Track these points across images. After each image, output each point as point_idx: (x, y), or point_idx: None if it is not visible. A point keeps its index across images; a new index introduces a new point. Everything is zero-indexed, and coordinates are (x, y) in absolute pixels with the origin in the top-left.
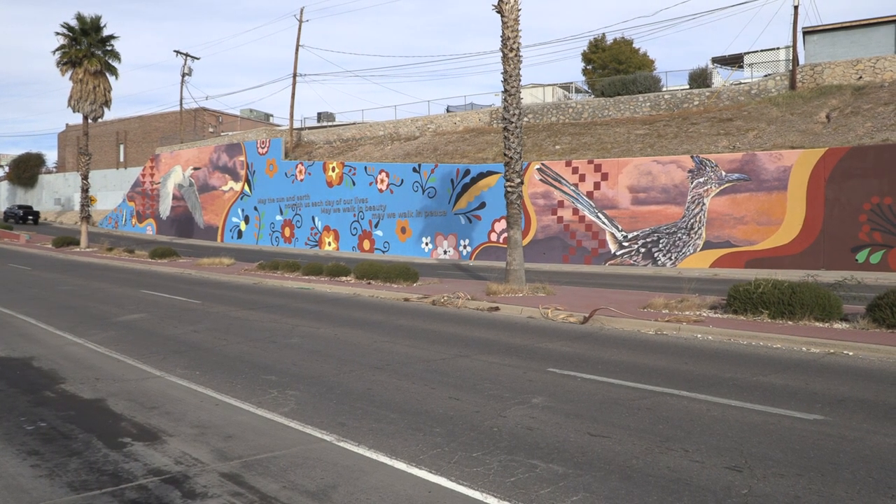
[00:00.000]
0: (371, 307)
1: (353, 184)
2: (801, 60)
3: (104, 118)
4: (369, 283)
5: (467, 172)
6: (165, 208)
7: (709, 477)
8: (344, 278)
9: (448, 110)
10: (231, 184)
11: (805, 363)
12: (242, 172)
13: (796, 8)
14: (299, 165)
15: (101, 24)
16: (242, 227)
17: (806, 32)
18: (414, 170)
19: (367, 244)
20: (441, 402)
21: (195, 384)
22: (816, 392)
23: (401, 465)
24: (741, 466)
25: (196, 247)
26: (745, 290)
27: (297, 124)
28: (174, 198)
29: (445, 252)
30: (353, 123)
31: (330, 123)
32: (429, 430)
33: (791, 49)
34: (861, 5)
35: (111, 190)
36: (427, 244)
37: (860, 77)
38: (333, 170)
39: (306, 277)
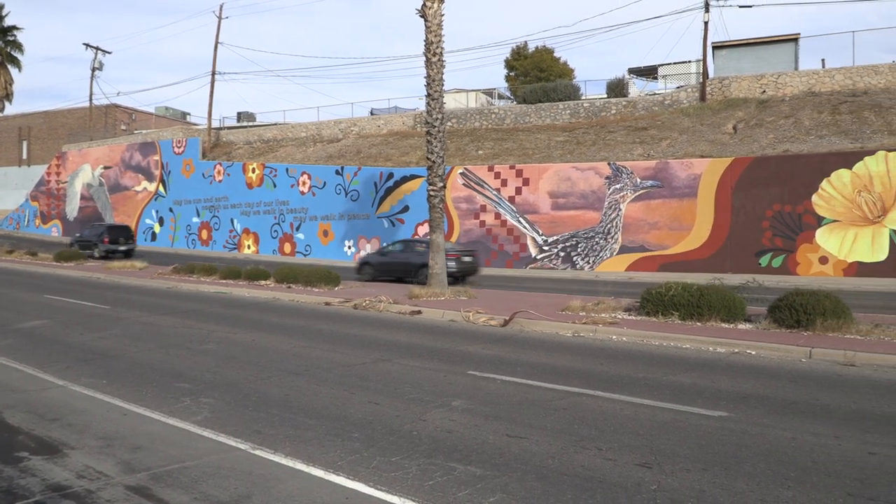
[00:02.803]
0: (291, 311)
1: (274, 185)
2: (711, 74)
3: (5, 112)
4: (289, 287)
5: (391, 176)
6: (73, 209)
7: (621, 474)
8: (263, 282)
9: (372, 113)
10: (145, 184)
11: (712, 362)
12: (157, 172)
13: (706, 24)
14: (218, 166)
15: (3, 13)
16: (157, 229)
17: (715, 47)
18: (337, 172)
19: (288, 247)
20: (361, 406)
21: (101, 394)
22: (721, 390)
23: (318, 472)
24: (651, 463)
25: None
26: (657, 293)
27: (215, 124)
28: (83, 198)
29: None
30: (275, 124)
31: (250, 123)
32: (347, 436)
33: (701, 63)
34: (765, 24)
35: (13, 189)
36: (350, 247)
37: (764, 91)
38: (254, 171)
39: (224, 281)
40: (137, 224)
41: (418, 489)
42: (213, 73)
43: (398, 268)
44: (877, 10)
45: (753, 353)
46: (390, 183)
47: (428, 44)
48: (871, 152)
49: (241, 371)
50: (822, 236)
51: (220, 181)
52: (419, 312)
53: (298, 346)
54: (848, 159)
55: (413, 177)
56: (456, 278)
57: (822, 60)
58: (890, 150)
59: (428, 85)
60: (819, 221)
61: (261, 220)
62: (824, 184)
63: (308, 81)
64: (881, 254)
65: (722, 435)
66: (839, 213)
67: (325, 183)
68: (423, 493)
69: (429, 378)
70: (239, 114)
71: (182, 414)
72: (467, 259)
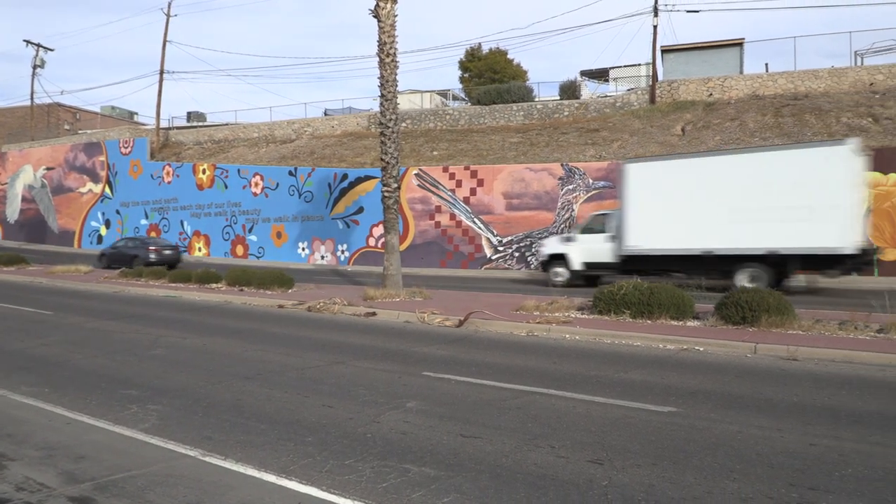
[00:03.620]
0: (243, 315)
1: (226, 187)
2: (660, 77)
3: None
4: (241, 290)
5: (345, 177)
6: (13, 211)
7: (573, 471)
8: (214, 285)
9: (326, 113)
10: (90, 185)
11: (662, 359)
12: (103, 173)
13: (655, 28)
14: (167, 167)
15: None
16: (103, 231)
17: (664, 51)
18: (290, 173)
19: (240, 250)
20: (314, 410)
21: (43, 402)
22: (671, 386)
23: (270, 478)
24: (602, 459)
25: (50, 253)
26: (609, 292)
27: (164, 124)
28: (24, 200)
29: (323, 257)
30: (226, 124)
31: (201, 124)
32: (300, 440)
33: (651, 66)
34: (712, 29)
35: None
36: (304, 249)
37: (711, 94)
38: (204, 172)
39: (173, 285)
40: (82, 227)
41: (372, 491)
42: (162, 72)
43: (120, 258)
44: (818, 17)
45: (701, 349)
46: (345, 184)
47: (381, 44)
48: None
49: (191, 376)
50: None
51: (169, 182)
52: (374, 314)
53: (250, 349)
54: None
55: (368, 178)
56: (164, 264)
57: (766, 65)
58: None
59: (382, 86)
60: None
61: (212, 222)
62: None
63: (260, 81)
64: None
65: (671, 430)
66: None
67: (277, 184)
68: (377, 495)
69: (383, 380)
70: (189, 113)
71: (129, 422)
72: (168, 252)
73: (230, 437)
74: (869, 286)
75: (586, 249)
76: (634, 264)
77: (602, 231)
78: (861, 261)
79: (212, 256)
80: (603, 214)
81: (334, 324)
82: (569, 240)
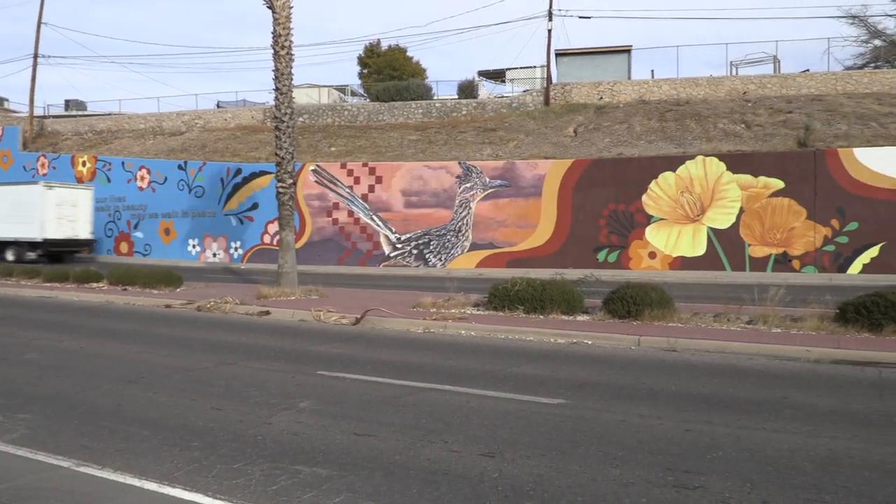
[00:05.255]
0: (126, 315)
1: (109, 180)
2: (554, 79)
3: None
4: (125, 290)
5: (239, 172)
6: None
7: (465, 465)
8: (95, 284)
9: (219, 106)
10: None
11: (553, 353)
12: None
13: (549, 32)
14: (41, 158)
15: None
16: None
17: (558, 54)
18: (180, 167)
19: (125, 247)
20: (202, 413)
21: None
22: (561, 379)
23: (151, 486)
24: (494, 452)
25: None
26: (504, 289)
27: (39, 111)
28: None
29: (215, 255)
30: (109, 114)
31: (80, 113)
32: (186, 445)
33: (546, 69)
34: (603, 35)
35: None
36: (194, 247)
37: (601, 98)
38: (84, 164)
39: (49, 284)
40: None
41: (261, 495)
42: (36, 56)
43: None
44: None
45: (590, 342)
46: (238, 179)
47: (276, 36)
48: (692, 157)
49: (67, 381)
50: (651, 233)
51: (44, 174)
52: (268, 313)
53: (133, 351)
54: (673, 163)
55: (263, 173)
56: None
57: (652, 71)
58: (707, 156)
59: (276, 79)
60: (648, 220)
61: (94, 218)
62: (653, 185)
63: (148, 70)
64: (700, 249)
65: (560, 421)
66: (665, 211)
67: (166, 178)
68: (267, 497)
69: (276, 380)
70: (67, 101)
71: None
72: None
73: (109, 445)
74: (743, 281)
75: None
76: None
77: None
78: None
79: (93, 254)
80: None
81: (225, 323)
82: None
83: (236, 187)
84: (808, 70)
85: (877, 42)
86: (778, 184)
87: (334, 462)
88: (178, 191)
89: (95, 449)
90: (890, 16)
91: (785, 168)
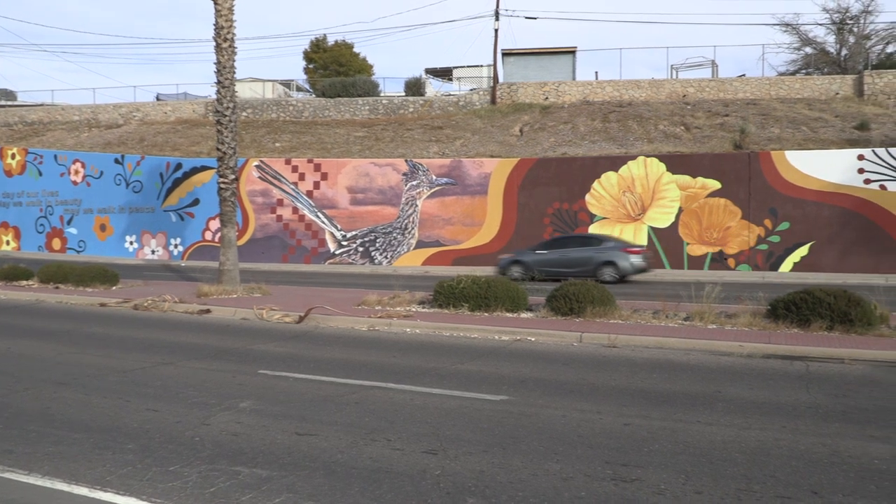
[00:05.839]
0: (58, 315)
1: (40, 174)
2: (501, 79)
3: None
4: (57, 288)
5: (179, 166)
6: None
7: (408, 462)
8: (24, 282)
9: (158, 98)
10: None
11: (497, 350)
12: None
13: (496, 31)
14: None
15: None
16: None
17: (505, 54)
18: (116, 161)
19: (57, 243)
20: (137, 415)
21: None
22: (504, 375)
23: (82, 491)
24: (437, 449)
25: None
26: (449, 286)
27: None
28: None
29: (154, 252)
30: (41, 105)
31: (10, 103)
32: (119, 448)
33: (492, 68)
34: (549, 36)
35: None
36: (132, 243)
37: (546, 98)
38: (13, 157)
39: None
40: None
41: (198, 497)
42: None
43: None
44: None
45: (533, 339)
46: (178, 174)
47: (218, 28)
48: (634, 157)
49: None
50: (593, 232)
51: None
52: (208, 311)
53: (65, 352)
54: (615, 163)
55: (204, 168)
56: None
57: (596, 73)
58: (648, 156)
59: (218, 72)
60: (592, 218)
61: (23, 213)
62: (596, 184)
63: (82, 60)
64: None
65: (502, 417)
66: (608, 210)
67: (102, 172)
68: (204, 500)
69: (216, 380)
70: None
71: None
72: None
73: (37, 450)
74: (681, 279)
75: None
76: None
77: None
78: None
79: (23, 251)
80: None
81: (164, 322)
82: None
83: (176, 182)
84: (744, 75)
85: (808, 49)
86: (715, 184)
87: (275, 462)
88: (115, 185)
89: (21, 454)
90: (820, 24)
91: (722, 169)
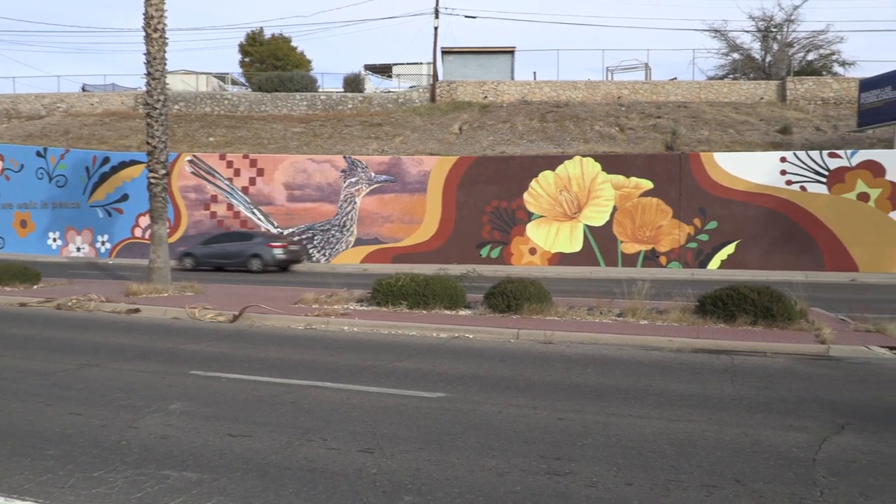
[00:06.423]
0: None
1: None
2: (440, 77)
3: None
4: None
5: (106, 160)
6: None
7: (343, 462)
8: None
9: (84, 89)
10: None
11: (435, 347)
12: None
13: (436, 29)
14: None
15: None
16: None
17: (444, 52)
18: (38, 154)
19: None
20: (59, 419)
21: None
22: (442, 372)
23: None
24: (373, 448)
25: None
26: (387, 284)
27: None
28: None
29: (79, 249)
30: None
31: None
32: (39, 454)
33: (432, 65)
34: (488, 35)
35: None
36: (55, 240)
37: (486, 97)
38: None
39: None
40: None
41: (124, 503)
42: None
43: None
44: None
45: (471, 336)
46: (106, 168)
47: (148, 18)
48: (570, 157)
49: None
50: (531, 230)
51: None
52: (137, 311)
53: None
54: (552, 162)
55: (133, 162)
56: None
57: (534, 73)
58: (584, 156)
59: (148, 63)
60: (529, 216)
61: None
62: (533, 183)
63: (2, 47)
64: (577, 245)
65: (439, 414)
66: (545, 209)
67: (22, 165)
68: None
69: (144, 381)
70: None
71: None
72: None
73: None
74: (615, 276)
75: None
76: None
77: None
78: None
79: None
80: None
81: (90, 322)
82: None
83: (104, 177)
84: (675, 78)
85: (735, 55)
86: (648, 184)
87: (206, 465)
88: (37, 179)
89: None
90: (746, 31)
91: (654, 169)
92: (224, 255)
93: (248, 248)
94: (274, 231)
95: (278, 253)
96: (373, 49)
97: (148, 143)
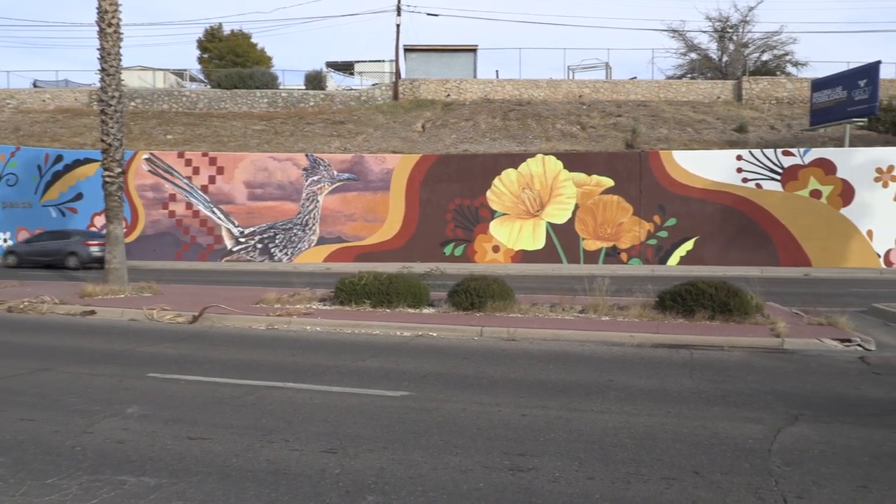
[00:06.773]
0: None
1: None
2: (403, 74)
3: None
4: None
5: (60, 158)
6: None
7: (306, 463)
8: None
9: (35, 85)
10: None
11: (398, 346)
12: None
13: (398, 27)
14: None
15: None
16: None
17: (407, 50)
18: None
19: None
20: (10, 425)
21: None
22: (405, 371)
23: None
24: (336, 448)
25: None
26: (350, 283)
27: None
28: None
29: None
30: None
31: None
32: None
33: (394, 63)
34: (451, 33)
35: None
36: (6, 241)
37: (448, 95)
38: None
39: None
40: None
41: None
42: None
43: None
44: (542, 32)
45: (435, 334)
46: (59, 167)
47: (102, 12)
48: (533, 155)
49: None
50: (494, 228)
51: None
52: (93, 313)
53: None
54: (515, 160)
55: (88, 160)
56: None
57: (497, 72)
58: (546, 154)
59: (102, 59)
60: (492, 214)
61: None
62: (496, 181)
63: None
64: (540, 243)
65: (403, 413)
66: (508, 207)
67: None
68: None
69: (100, 385)
70: None
71: None
72: None
73: None
74: (577, 273)
75: None
76: None
77: None
78: None
79: None
80: None
81: (42, 325)
82: None
83: (57, 175)
84: (635, 77)
85: (693, 55)
86: (608, 182)
87: (164, 469)
88: None
89: None
90: (704, 32)
91: (615, 167)
92: (44, 253)
93: (65, 245)
94: (235, 230)
95: (95, 251)
96: (335, 46)
97: (103, 140)
